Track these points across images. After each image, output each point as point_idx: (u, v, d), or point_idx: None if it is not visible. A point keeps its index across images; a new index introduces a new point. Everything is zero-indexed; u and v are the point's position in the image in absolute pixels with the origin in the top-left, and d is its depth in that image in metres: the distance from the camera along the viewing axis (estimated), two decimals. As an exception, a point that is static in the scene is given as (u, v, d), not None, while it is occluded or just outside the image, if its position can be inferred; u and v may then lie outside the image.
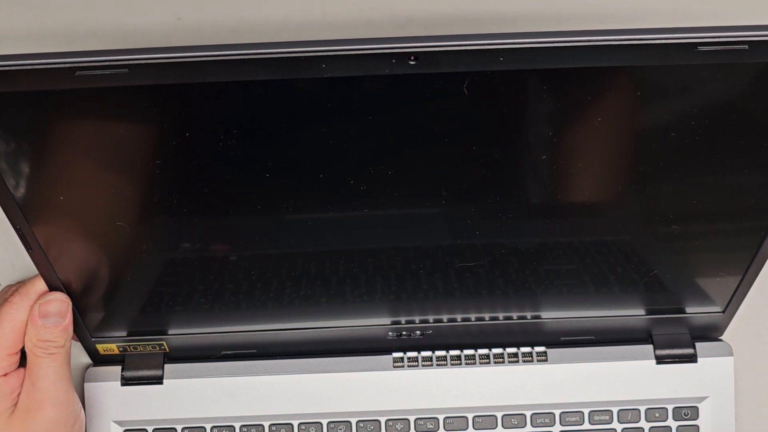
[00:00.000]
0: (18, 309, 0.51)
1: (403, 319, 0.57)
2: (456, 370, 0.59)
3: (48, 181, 0.46)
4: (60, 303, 0.52)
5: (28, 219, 0.47)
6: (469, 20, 0.52)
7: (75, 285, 0.52)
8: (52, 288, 0.52)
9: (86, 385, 0.57)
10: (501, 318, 0.57)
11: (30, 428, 0.52)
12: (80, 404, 0.55)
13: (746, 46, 0.39)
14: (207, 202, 0.48)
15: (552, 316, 0.58)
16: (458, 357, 0.59)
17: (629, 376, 0.59)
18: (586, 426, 0.58)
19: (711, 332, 0.60)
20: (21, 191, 0.46)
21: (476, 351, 0.59)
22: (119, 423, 0.58)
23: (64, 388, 0.52)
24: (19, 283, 0.54)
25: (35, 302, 0.51)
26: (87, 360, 0.59)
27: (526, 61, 0.39)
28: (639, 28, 0.39)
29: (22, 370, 0.53)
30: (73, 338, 0.55)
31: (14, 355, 0.52)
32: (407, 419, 0.58)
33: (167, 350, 0.58)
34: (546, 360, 0.59)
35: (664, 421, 0.59)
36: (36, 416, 0.52)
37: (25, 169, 0.45)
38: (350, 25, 0.53)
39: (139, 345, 0.57)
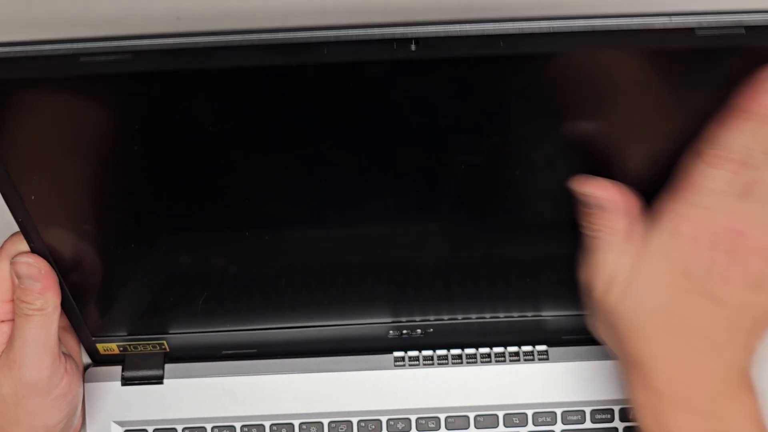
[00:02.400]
0: (5, 257, 0.50)
1: (404, 318, 0.57)
2: (457, 369, 0.58)
3: (51, 173, 0.46)
4: (27, 267, 0.49)
5: (30, 211, 0.47)
6: (464, 8, 0.52)
7: (76, 283, 0.52)
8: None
9: (86, 384, 0.57)
10: (502, 316, 0.57)
11: (1, 384, 0.51)
12: (71, 380, 0.53)
13: (743, 30, 0.40)
14: (209, 197, 0.48)
15: (553, 314, 0.57)
16: (459, 356, 0.59)
17: (631, 375, 0.58)
18: (588, 425, 0.58)
19: (712, 331, 0.59)
20: (24, 183, 0.46)
21: (477, 350, 0.59)
22: (119, 423, 0.58)
23: (37, 354, 0.50)
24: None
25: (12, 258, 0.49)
26: (87, 360, 0.58)
27: (526, 45, 0.40)
28: (639, 12, 0.39)
29: None
30: (66, 328, 0.55)
31: (9, 303, 0.50)
32: (408, 418, 0.58)
33: (168, 350, 0.58)
34: (547, 358, 0.58)
35: (666, 419, 0.58)
36: (8, 373, 0.50)
37: (29, 161, 0.45)
38: (348, 11, 0.53)
39: (139, 344, 0.57)
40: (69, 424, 0.54)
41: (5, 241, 0.50)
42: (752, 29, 0.40)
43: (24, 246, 0.49)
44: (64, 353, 0.53)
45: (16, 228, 0.48)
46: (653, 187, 0.48)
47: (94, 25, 0.53)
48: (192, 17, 0.54)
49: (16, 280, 0.49)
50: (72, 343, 0.56)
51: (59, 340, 0.52)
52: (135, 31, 0.40)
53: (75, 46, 0.40)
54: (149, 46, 0.40)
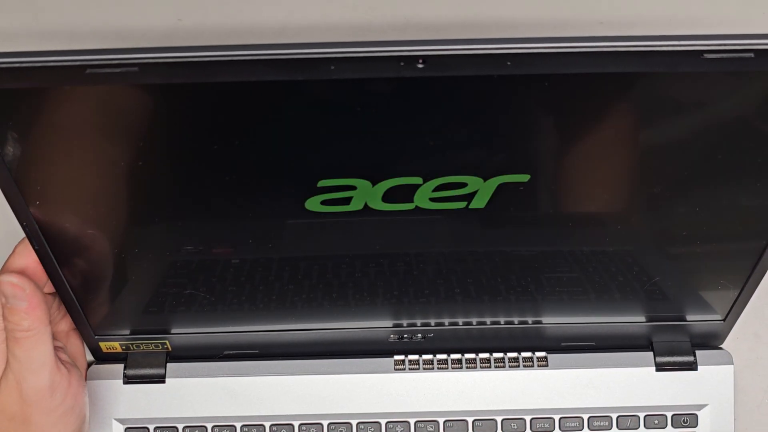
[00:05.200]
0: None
1: (404, 322, 0.58)
2: (457, 373, 0.59)
3: (56, 179, 0.46)
4: (11, 287, 0.48)
5: (35, 217, 0.47)
6: (468, 24, 0.52)
7: (79, 283, 0.52)
8: (55, 283, 0.51)
9: (88, 382, 0.58)
10: (502, 322, 0.58)
11: (8, 406, 0.50)
12: (76, 392, 0.53)
13: (752, 54, 0.39)
14: (211, 203, 0.48)
15: (553, 321, 0.58)
16: (459, 361, 0.59)
17: (629, 383, 0.59)
18: (585, 431, 0.59)
19: (711, 340, 0.60)
20: (29, 189, 0.46)
21: (477, 355, 0.59)
22: (121, 421, 0.58)
23: (34, 373, 0.50)
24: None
25: None
26: (90, 357, 0.59)
27: (534, 66, 0.40)
28: (646, 35, 0.39)
29: None
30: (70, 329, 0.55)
31: None
32: (407, 422, 0.59)
33: (170, 349, 0.58)
34: (546, 365, 0.59)
35: (664, 428, 0.59)
36: (13, 393, 0.50)
37: (33, 166, 0.45)
38: (351, 27, 0.53)
39: (142, 343, 0.58)
40: None
41: (9, 256, 0.50)
42: (761, 53, 0.40)
43: (24, 262, 0.49)
44: (66, 362, 0.53)
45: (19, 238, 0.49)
46: (657, 206, 0.48)
47: (101, 37, 0.53)
48: (199, 30, 0.54)
49: (3, 299, 0.48)
50: (77, 343, 0.57)
51: (63, 348, 0.52)
52: (140, 44, 0.40)
53: (82, 57, 0.40)
54: (156, 59, 0.39)
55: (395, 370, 0.59)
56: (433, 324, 0.58)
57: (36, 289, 0.49)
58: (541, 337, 0.59)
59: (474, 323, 0.58)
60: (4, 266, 0.50)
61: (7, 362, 0.50)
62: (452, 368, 0.59)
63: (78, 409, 0.53)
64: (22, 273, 0.49)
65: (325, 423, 0.58)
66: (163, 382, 0.58)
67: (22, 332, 0.49)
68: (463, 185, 0.46)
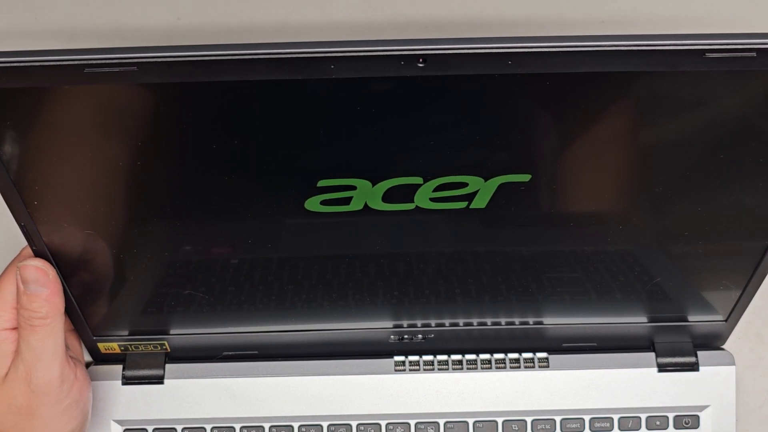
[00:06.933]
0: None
1: (405, 323, 0.57)
2: (457, 374, 0.59)
3: (54, 180, 0.46)
4: (36, 271, 0.48)
5: (33, 217, 0.47)
6: (469, 23, 0.52)
7: (78, 283, 0.52)
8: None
9: (87, 383, 0.57)
10: (503, 323, 0.58)
11: (14, 399, 0.50)
12: (81, 386, 0.53)
13: (754, 54, 0.39)
14: (210, 203, 0.48)
15: (554, 322, 0.58)
16: (460, 362, 0.59)
17: (631, 384, 0.59)
18: (587, 432, 0.59)
19: (713, 341, 0.60)
20: (26, 189, 0.46)
21: (478, 356, 0.59)
22: (119, 422, 0.58)
23: (47, 364, 0.50)
24: None
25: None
26: (88, 358, 0.59)
27: (534, 65, 0.39)
28: (648, 34, 0.39)
29: None
30: (70, 329, 0.55)
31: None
32: (408, 423, 0.58)
33: (168, 350, 0.58)
34: (548, 366, 0.59)
35: (665, 429, 0.59)
36: (20, 386, 0.50)
37: (31, 166, 0.45)
38: (350, 26, 0.53)
39: (140, 344, 0.57)
40: (81, 431, 0.54)
41: (22, 249, 0.50)
42: (763, 52, 0.39)
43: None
44: (72, 357, 0.53)
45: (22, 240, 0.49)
46: (658, 206, 0.48)
47: (100, 36, 0.53)
48: (198, 29, 0.54)
49: (21, 287, 0.49)
50: (74, 343, 0.56)
51: (66, 344, 0.52)
52: (139, 43, 0.40)
53: (80, 57, 0.39)
54: (155, 59, 0.39)
55: (395, 371, 0.59)
56: (433, 325, 0.57)
57: (56, 276, 0.49)
58: (542, 337, 0.58)
59: (475, 324, 0.57)
60: (20, 254, 0.50)
61: (18, 353, 0.50)
62: (453, 369, 0.59)
63: (82, 404, 0.53)
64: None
65: (324, 424, 0.58)
66: (162, 383, 0.58)
67: (39, 320, 0.49)
68: (464, 185, 0.46)
